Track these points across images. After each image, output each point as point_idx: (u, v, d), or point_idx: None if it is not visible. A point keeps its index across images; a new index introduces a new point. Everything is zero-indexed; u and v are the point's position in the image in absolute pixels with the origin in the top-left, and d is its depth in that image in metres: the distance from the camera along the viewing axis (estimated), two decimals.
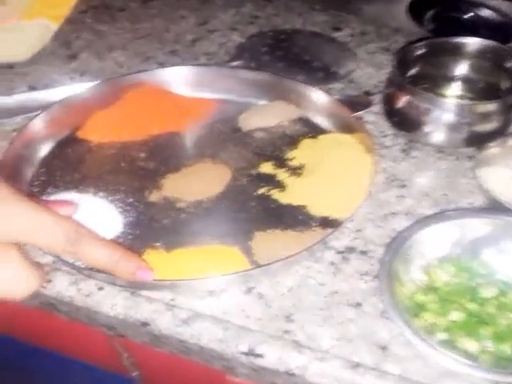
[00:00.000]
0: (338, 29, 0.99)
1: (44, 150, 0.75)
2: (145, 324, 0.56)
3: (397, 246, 0.58)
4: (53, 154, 0.75)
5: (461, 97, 0.79)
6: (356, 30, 0.98)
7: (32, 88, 0.87)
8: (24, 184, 0.70)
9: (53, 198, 0.68)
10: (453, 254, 0.60)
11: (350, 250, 0.63)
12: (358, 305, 0.58)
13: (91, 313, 0.58)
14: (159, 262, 0.60)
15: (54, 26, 0.97)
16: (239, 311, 0.57)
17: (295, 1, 1.06)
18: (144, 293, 0.58)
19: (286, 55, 0.91)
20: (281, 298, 0.58)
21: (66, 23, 1.00)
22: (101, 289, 0.59)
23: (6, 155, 0.69)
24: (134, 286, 0.58)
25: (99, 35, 0.99)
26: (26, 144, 0.73)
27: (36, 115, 0.75)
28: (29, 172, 0.72)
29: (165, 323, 0.56)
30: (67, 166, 0.73)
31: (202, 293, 0.58)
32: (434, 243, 0.60)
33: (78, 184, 0.70)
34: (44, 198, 0.68)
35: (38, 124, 0.74)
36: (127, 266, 0.54)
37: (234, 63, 0.89)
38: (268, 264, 0.59)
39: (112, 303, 0.58)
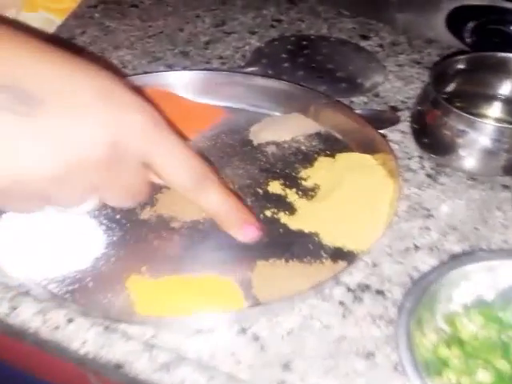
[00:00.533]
0: (366, 37, 0.91)
1: None
2: (118, 366, 0.48)
3: (419, 289, 0.50)
4: None
5: (501, 119, 0.70)
6: (386, 39, 0.91)
7: None
8: None
9: None
10: (482, 302, 0.51)
11: (364, 288, 0.54)
12: (369, 355, 0.49)
13: (59, 348, 0.50)
14: (143, 289, 0.53)
15: (58, 20, 0.89)
16: (229, 355, 0.49)
17: (322, 5, 0.98)
18: (121, 327, 0.50)
19: (307, 63, 0.83)
20: (279, 341, 0.50)
21: (72, 17, 0.93)
22: (70, 321, 0.50)
23: None
24: (110, 319, 0.50)
25: (106, 32, 0.92)
26: None
27: None
28: None
29: (141, 366, 0.48)
30: None
31: (189, 331, 0.50)
32: (462, 288, 0.51)
33: None
34: None
35: None
36: (237, 218, 0.51)
37: (249, 69, 0.81)
38: (267, 303, 0.51)
39: (82, 339, 0.49)
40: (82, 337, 0.49)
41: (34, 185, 0.40)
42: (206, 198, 0.48)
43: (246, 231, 0.51)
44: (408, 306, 0.49)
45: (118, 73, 0.47)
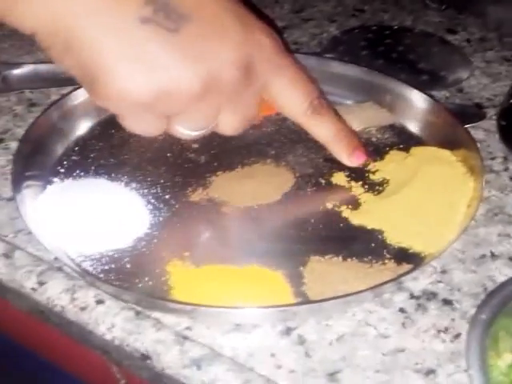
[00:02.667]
0: (453, 31, 0.84)
1: (83, 125, 0.63)
2: (145, 357, 0.43)
3: (497, 301, 0.43)
4: (91, 132, 0.63)
5: None
6: (475, 34, 0.83)
7: None
8: (51, 160, 0.59)
9: (79, 182, 0.57)
10: None
11: (430, 296, 0.48)
12: (429, 372, 0.43)
13: (84, 331, 0.46)
14: (183, 276, 0.48)
15: None
16: (269, 357, 0.43)
17: None
18: (154, 314, 0.45)
19: (387, 52, 0.77)
20: (327, 347, 0.44)
21: None
22: (100, 302, 0.46)
23: (37, 123, 0.59)
24: (143, 303, 0.46)
25: None
26: (63, 115, 0.62)
27: None
28: (59, 148, 0.60)
29: (170, 360, 0.43)
30: (105, 147, 0.61)
31: (227, 325, 0.45)
32: None
33: (110, 170, 0.58)
34: (70, 180, 0.57)
35: (82, 95, 0.63)
36: (348, 144, 0.55)
37: (326, 56, 0.76)
38: (320, 301, 0.45)
39: (110, 323, 0.45)
40: (111, 321, 0.45)
41: (176, 100, 0.42)
42: (319, 124, 0.52)
43: (356, 156, 0.55)
44: (483, 319, 0.43)
45: None
